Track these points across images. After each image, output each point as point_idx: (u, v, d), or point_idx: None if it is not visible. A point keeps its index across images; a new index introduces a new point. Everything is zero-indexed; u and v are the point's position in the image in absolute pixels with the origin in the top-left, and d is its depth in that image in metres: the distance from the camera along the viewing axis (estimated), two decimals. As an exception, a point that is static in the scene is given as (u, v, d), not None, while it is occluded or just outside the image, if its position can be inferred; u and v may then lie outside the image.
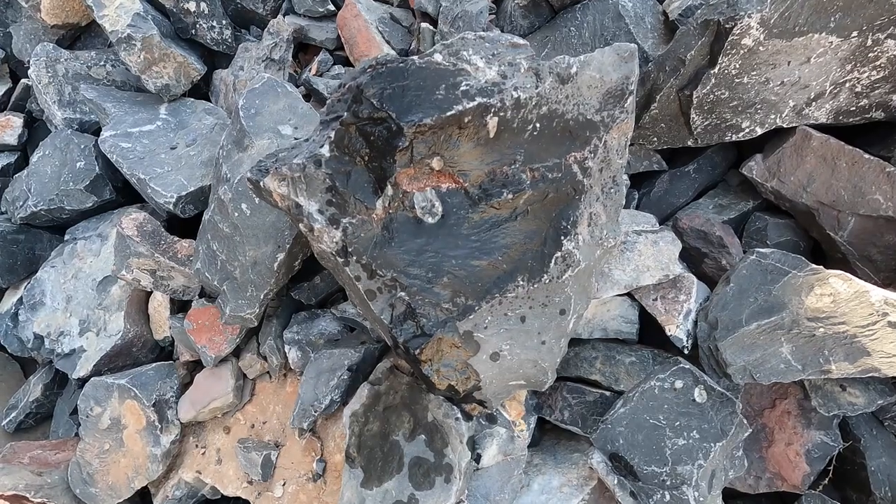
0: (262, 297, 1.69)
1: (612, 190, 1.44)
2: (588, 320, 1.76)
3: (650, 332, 1.81)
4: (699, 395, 1.41)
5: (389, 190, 1.18)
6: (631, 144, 1.98)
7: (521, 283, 1.33)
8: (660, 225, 1.76)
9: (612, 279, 1.61)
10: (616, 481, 1.42)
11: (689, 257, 1.85)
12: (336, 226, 1.16)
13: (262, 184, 1.16)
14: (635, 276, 1.62)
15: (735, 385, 1.63)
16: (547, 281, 1.35)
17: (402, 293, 1.23)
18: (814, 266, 1.48)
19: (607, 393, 1.72)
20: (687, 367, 1.44)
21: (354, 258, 1.19)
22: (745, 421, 1.48)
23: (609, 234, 1.45)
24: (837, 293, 1.43)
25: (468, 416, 1.46)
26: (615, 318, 1.76)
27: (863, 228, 1.72)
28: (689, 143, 1.83)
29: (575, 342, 1.85)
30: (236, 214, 1.68)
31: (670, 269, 1.63)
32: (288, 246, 1.60)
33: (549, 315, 1.39)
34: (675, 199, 2.05)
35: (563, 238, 1.34)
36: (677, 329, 1.62)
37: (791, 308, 1.47)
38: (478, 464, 1.49)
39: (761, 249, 1.56)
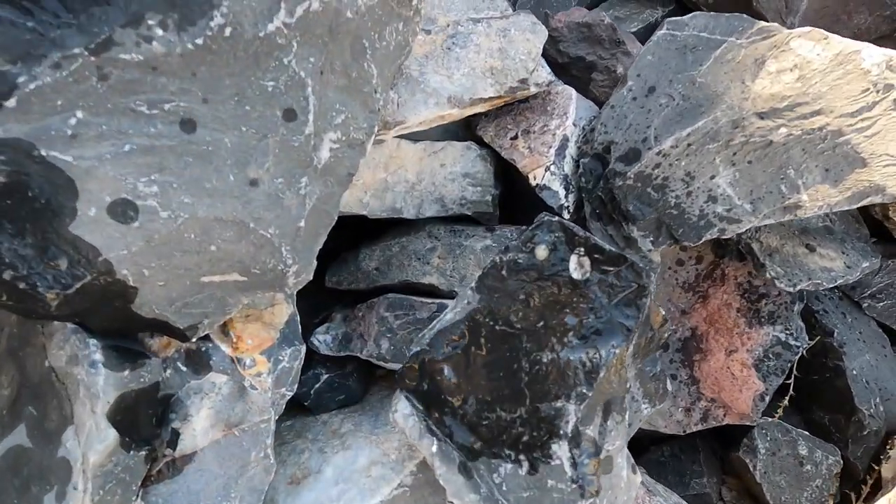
0: None
1: None
2: (411, 186, 1.04)
3: (524, 206, 1.13)
4: (576, 266, 0.74)
5: None
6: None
7: (161, 32, 0.57)
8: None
9: (426, 89, 0.89)
10: (434, 447, 0.73)
11: (572, 79, 1.17)
12: None
13: None
14: (469, 84, 0.91)
15: (647, 261, 0.98)
16: (228, 33, 0.60)
17: None
18: (764, 25, 0.83)
19: (448, 303, 1.02)
20: (554, 220, 0.76)
21: None
22: (664, 310, 0.83)
23: (389, -34, 0.72)
24: (806, 62, 0.79)
25: (127, 356, 0.70)
26: (455, 180, 1.05)
27: (822, 7, 1.11)
28: None
29: (400, 227, 1.13)
30: None
31: (527, 71, 0.93)
32: None
33: (259, 121, 0.65)
34: (553, 12, 1.36)
35: (248, -75, 0.59)
36: (547, 174, 0.94)
37: (729, 101, 0.82)
38: (173, 449, 0.75)
39: (675, 18, 0.89)
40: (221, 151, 0.63)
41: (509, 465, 0.70)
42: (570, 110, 0.96)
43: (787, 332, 1.07)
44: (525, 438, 0.70)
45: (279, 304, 0.87)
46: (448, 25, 0.98)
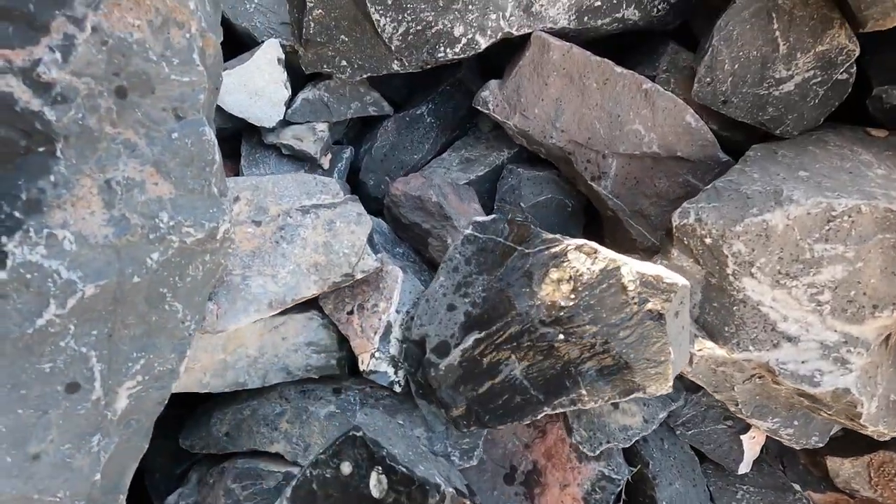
0: None
1: (173, 133, 0.75)
2: (253, 360, 1.08)
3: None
4: (376, 483, 0.81)
5: None
6: (323, 76, 1.32)
7: (-88, 352, 0.58)
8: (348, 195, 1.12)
9: (246, 296, 0.94)
10: None
11: (414, 239, 1.26)
12: None
13: None
14: (293, 283, 0.97)
15: (474, 432, 1.07)
16: (-8, 336, 0.62)
17: None
18: (549, 237, 0.94)
19: (295, 470, 1.07)
20: (359, 435, 0.83)
21: None
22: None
23: (185, 217, 0.76)
24: (579, 275, 0.91)
25: None
26: (298, 350, 1.10)
27: (627, 173, 1.26)
28: (395, 66, 1.22)
29: (253, 391, 1.16)
30: None
31: (350, 266, 1.00)
32: None
33: (38, 400, 0.67)
34: (408, 156, 1.45)
35: (3, 238, 0.61)
36: (373, 361, 1.01)
37: (520, 307, 0.92)
38: None
39: (480, 219, 0.99)
40: (-5, 439, 0.65)
41: None
42: (395, 296, 1.03)
43: (610, 467, 1.19)
44: None
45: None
46: (279, 216, 1.03)
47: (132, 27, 0.69)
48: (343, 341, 1.13)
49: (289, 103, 1.29)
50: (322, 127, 1.31)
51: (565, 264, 0.92)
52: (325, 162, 1.34)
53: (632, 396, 0.90)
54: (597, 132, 1.22)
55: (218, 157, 0.81)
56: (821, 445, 1.15)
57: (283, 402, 1.14)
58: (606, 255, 0.91)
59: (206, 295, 0.85)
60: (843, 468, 1.22)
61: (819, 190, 0.92)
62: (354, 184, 1.46)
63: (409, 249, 1.26)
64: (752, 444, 1.23)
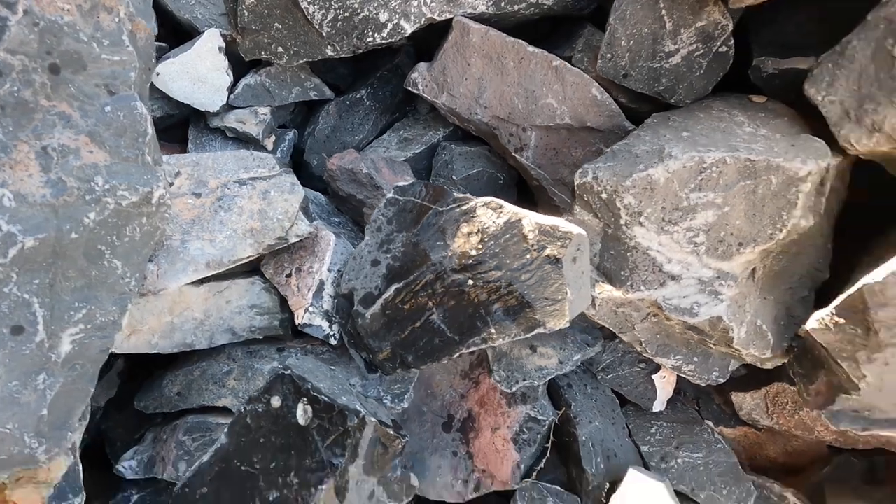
0: None
1: (106, 106, 0.84)
2: (199, 322, 1.17)
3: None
4: (302, 413, 0.92)
5: None
6: (262, 62, 1.41)
7: None
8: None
9: (185, 258, 1.03)
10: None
11: (352, 211, 1.36)
12: None
13: None
14: (230, 246, 1.06)
15: (405, 376, 1.18)
16: (-58, 281, 0.71)
17: None
18: (460, 196, 1.06)
19: (243, 422, 1.16)
20: (287, 373, 0.93)
21: None
22: (386, 439, 1.01)
23: (119, 181, 0.85)
24: (485, 228, 1.02)
25: None
26: (242, 312, 1.20)
27: (546, 144, 1.38)
28: (329, 51, 1.32)
29: (202, 354, 1.26)
30: None
31: (283, 230, 1.10)
32: None
33: (-12, 341, 0.76)
34: (350, 137, 1.55)
35: (-49, 196, 0.70)
36: (307, 315, 1.11)
37: (434, 258, 1.03)
38: None
39: (401, 183, 1.10)
40: (-51, 375, 0.74)
41: None
42: (327, 257, 1.14)
43: (535, 409, 1.31)
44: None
45: (56, 458, 0.97)
46: (217, 188, 1.13)
47: (62, 11, 0.78)
48: (285, 304, 1.23)
49: (231, 89, 1.38)
50: (264, 110, 1.40)
51: (474, 219, 1.04)
52: (269, 143, 1.44)
53: (534, 332, 1.02)
54: (516, 107, 1.34)
55: (150, 129, 0.91)
56: (722, 381, 1.29)
57: (231, 363, 1.24)
58: (510, 209, 1.03)
59: (146, 255, 0.94)
60: (745, 402, 1.36)
61: (694, 146, 1.05)
62: (300, 164, 1.55)
63: (349, 220, 1.36)
64: (663, 384, 1.36)
